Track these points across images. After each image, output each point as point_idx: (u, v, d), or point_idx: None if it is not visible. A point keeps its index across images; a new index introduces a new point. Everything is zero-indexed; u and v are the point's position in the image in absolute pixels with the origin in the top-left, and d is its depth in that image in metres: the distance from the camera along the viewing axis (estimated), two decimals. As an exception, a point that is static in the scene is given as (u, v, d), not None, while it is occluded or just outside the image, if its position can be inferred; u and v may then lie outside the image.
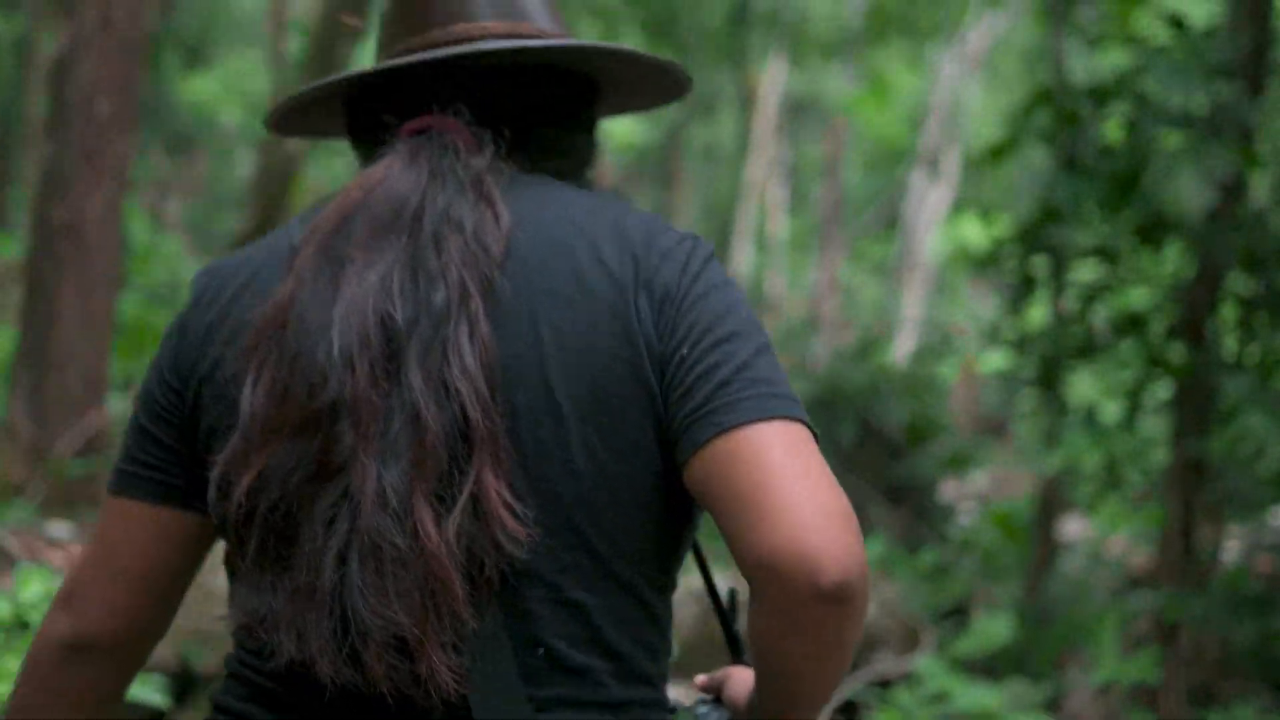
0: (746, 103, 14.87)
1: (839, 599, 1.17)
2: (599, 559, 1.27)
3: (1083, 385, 6.76)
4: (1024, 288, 6.17)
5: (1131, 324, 6.10)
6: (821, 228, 25.87)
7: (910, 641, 5.60)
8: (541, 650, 1.26)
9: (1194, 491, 5.72)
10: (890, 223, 27.19)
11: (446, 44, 1.38)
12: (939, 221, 25.00)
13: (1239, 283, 5.74)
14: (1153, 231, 5.90)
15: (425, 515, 1.20)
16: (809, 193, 28.73)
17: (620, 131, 25.84)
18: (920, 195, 24.90)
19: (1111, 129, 6.06)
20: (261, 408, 1.26)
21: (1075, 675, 6.16)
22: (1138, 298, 6.55)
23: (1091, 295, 6.21)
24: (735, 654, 1.49)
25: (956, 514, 8.90)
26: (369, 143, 1.41)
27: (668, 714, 1.35)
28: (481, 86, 1.39)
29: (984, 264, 6.44)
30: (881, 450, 8.64)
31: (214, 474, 1.29)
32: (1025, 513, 7.72)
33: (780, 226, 25.52)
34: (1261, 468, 5.46)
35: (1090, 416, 5.84)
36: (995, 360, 18.07)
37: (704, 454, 1.22)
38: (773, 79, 20.79)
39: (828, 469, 1.22)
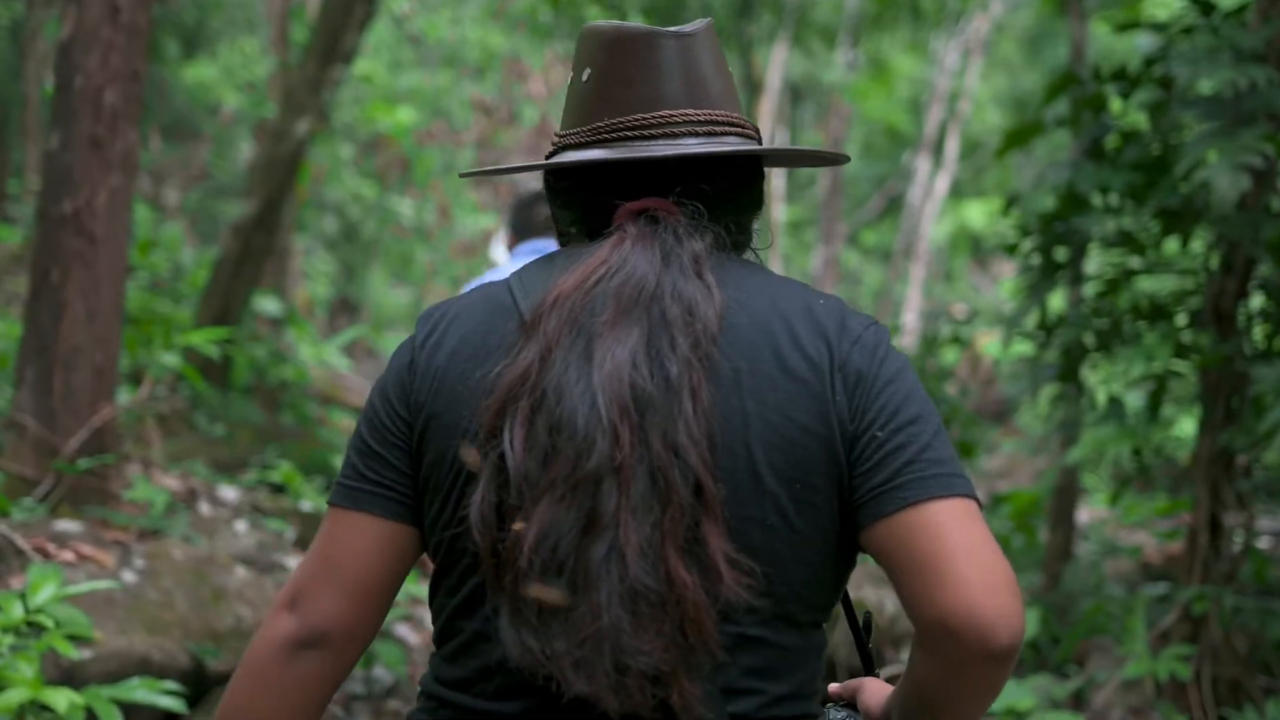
0: (753, 89, 14.71)
1: (1005, 659, 1.38)
2: (778, 601, 1.48)
3: (1104, 375, 6.62)
4: (1046, 276, 6.04)
5: (1157, 312, 5.98)
6: (822, 212, 25.78)
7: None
8: (727, 680, 1.48)
9: (1222, 482, 5.60)
10: (891, 208, 27.11)
11: (650, 126, 1.57)
12: (940, 206, 24.92)
13: (1269, 271, 5.62)
14: (1178, 219, 5.78)
15: (678, 565, 1.38)
16: (809, 178, 28.59)
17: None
18: (922, 180, 24.80)
19: (1136, 115, 5.93)
20: (528, 467, 1.42)
21: (1100, 669, 6.04)
22: (1163, 286, 6.44)
23: (1115, 283, 6.09)
24: (868, 668, 1.71)
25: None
26: (575, 206, 1.65)
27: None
28: (686, 173, 1.59)
29: (1008, 251, 6.31)
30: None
31: (472, 517, 1.45)
32: (1039, 501, 7.60)
33: (779, 212, 25.39)
34: (1293, 459, 5.35)
35: (1116, 406, 5.72)
36: (996, 344, 17.93)
37: (890, 523, 1.44)
38: (775, 64, 20.65)
39: (994, 540, 1.43)
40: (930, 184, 24.80)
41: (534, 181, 7.32)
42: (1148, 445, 5.65)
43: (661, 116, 1.58)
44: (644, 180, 1.60)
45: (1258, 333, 5.55)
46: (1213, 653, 5.58)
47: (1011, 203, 6.21)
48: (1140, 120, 5.83)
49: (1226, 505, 5.63)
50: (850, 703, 1.65)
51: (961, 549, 1.40)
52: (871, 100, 25.80)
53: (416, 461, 1.55)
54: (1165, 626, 5.58)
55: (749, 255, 1.71)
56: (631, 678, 1.38)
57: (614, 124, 1.59)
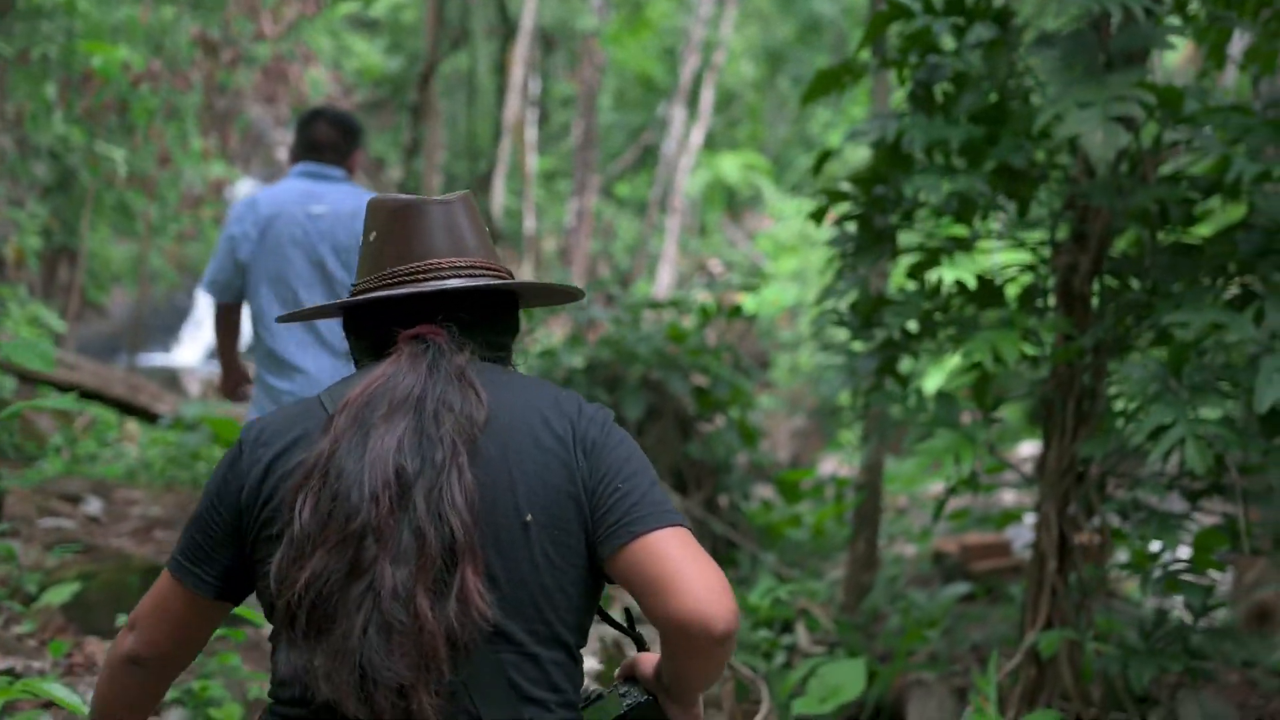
0: (506, 34, 13.36)
1: (724, 642, 1.80)
2: (549, 624, 1.87)
3: (932, 367, 5.54)
4: (863, 249, 4.93)
5: (987, 292, 4.94)
6: (575, 163, 24.57)
7: (748, 700, 4.33)
8: (512, 687, 1.84)
9: (1073, 497, 4.60)
10: (646, 159, 26.05)
11: (421, 272, 2.00)
12: (695, 158, 23.97)
13: (1132, 244, 4.64)
14: (1018, 181, 4.73)
15: (423, 602, 1.74)
16: (561, 128, 27.34)
17: (373, 62, 23.96)
18: (677, 131, 23.81)
19: (969, 56, 4.83)
20: (311, 527, 1.79)
21: None
22: (991, 262, 5.41)
23: (935, 256, 5.03)
24: (639, 646, 2.09)
25: (752, 487, 7.68)
26: (370, 336, 2.05)
27: None
28: (450, 305, 2.02)
29: (814, 219, 5.18)
30: (672, 425, 7.35)
31: (271, 572, 1.82)
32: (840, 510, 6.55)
33: (531, 162, 24.09)
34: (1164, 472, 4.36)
35: (947, 405, 4.65)
36: (751, 300, 16.98)
37: (625, 551, 1.84)
38: (528, 8, 19.26)
39: (706, 554, 1.84)
40: (685, 135, 23.84)
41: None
42: (985, 454, 4.59)
43: (430, 264, 2.01)
44: (418, 313, 2.00)
45: (1110, 318, 4.54)
46: (1062, 697, 4.59)
47: (823, 160, 5.06)
48: (974, 63, 4.74)
49: (1078, 525, 4.63)
50: (630, 678, 2.06)
51: (683, 566, 1.80)
52: (626, 48, 24.67)
53: (237, 547, 1.97)
54: (1012, 668, 4.56)
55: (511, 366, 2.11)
56: (380, 690, 1.73)
57: (394, 271, 2.01)
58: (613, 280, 23.27)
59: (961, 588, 6.96)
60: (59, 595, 4.53)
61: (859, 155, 24.05)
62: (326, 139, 4.76)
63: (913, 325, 4.87)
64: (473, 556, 1.76)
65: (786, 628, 5.65)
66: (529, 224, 23.53)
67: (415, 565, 1.74)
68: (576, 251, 24.74)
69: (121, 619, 4.82)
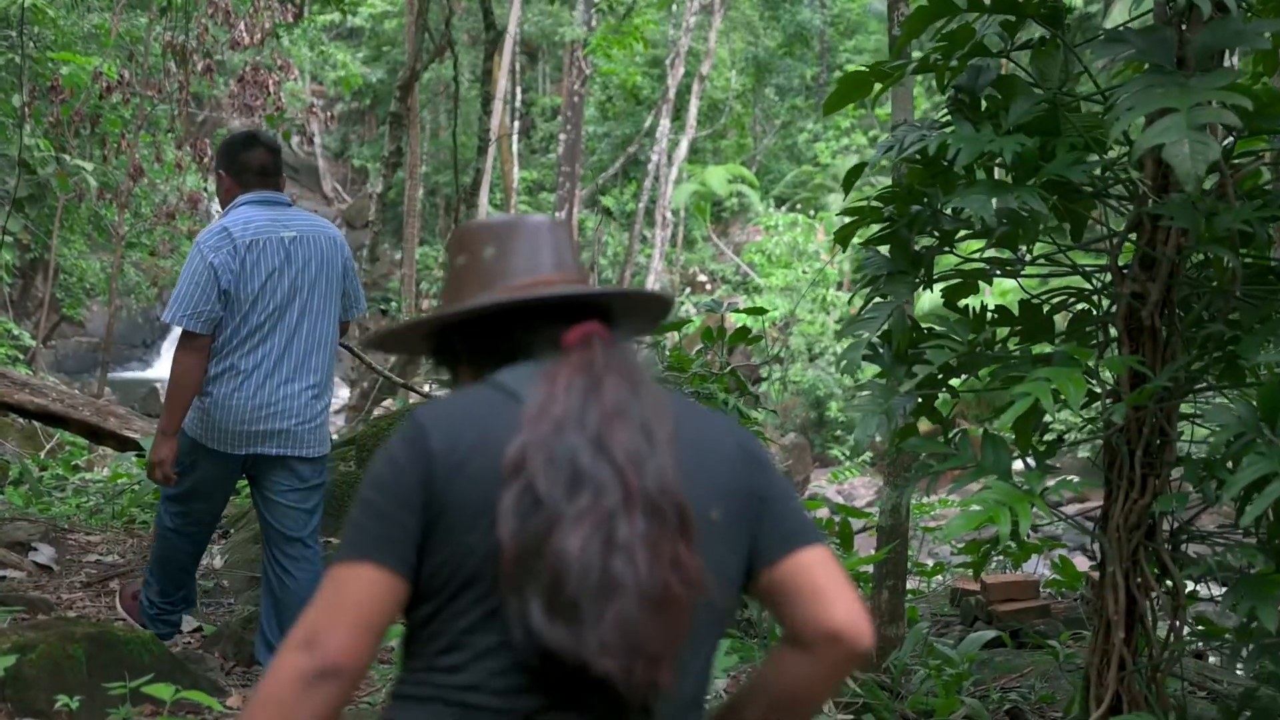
0: (493, 41, 12.77)
1: (862, 659, 1.83)
2: (722, 618, 1.90)
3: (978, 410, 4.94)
4: (899, 274, 4.34)
5: (1034, 323, 4.37)
6: (559, 175, 23.99)
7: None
8: (694, 670, 1.87)
9: (1142, 556, 4.02)
10: (631, 170, 25.48)
11: (541, 284, 1.99)
12: (680, 169, 23.42)
13: (1219, 272, 4.06)
14: (1073, 199, 4.15)
15: (670, 576, 1.73)
16: (547, 139, 26.76)
17: (353, 72, 23.34)
18: (663, 142, 23.26)
19: (1014, 60, 4.25)
20: (555, 496, 1.73)
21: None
22: (1044, 289, 4.83)
23: (969, 282, 4.46)
24: None
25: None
26: (478, 357, 2.02)
27: None
28: (569, 317, 1.95)
29: (840, 239, 4.59)
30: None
31: (503, 536, 1.72)
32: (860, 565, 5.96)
33: (515, 175, 23.50)
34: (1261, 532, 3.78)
35: (997, 452, 4.07)
36: (742, 315, 16.44)
37: (789, 559, 1.88)
38: (513, 16, 18.67)
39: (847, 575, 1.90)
40: (671, 147, 23.28)
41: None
42: (1044, 509, 4.00)
43: (541, 279, 2.00)
44: (540, 324, 1.96)
45: (1186, 355, 3.95)
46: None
47: (855, 176, 4.46)
48: (1022, 66, 4.16)
49: (1148, 588, 4.05)
50: None
51: (840, 579, 1.86)
52: (612, 59, 24.11)
53: (424, 530, 1.82)
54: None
55: None
56: (639, 660, 1.71)
57: (517, 285, 1.99)
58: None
59: (988, 634, 6.38)
60: (-12, 672, 3.92)
61: (847, 163, 23.59)
62: (271, 164, 4.93)
63: (950, 359, 4.28)
64: (689, 532, 1.78)
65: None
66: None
67: (656, 541, 1.75)
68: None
69: (63, 699, 4.25)
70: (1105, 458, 4.16)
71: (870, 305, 4.36)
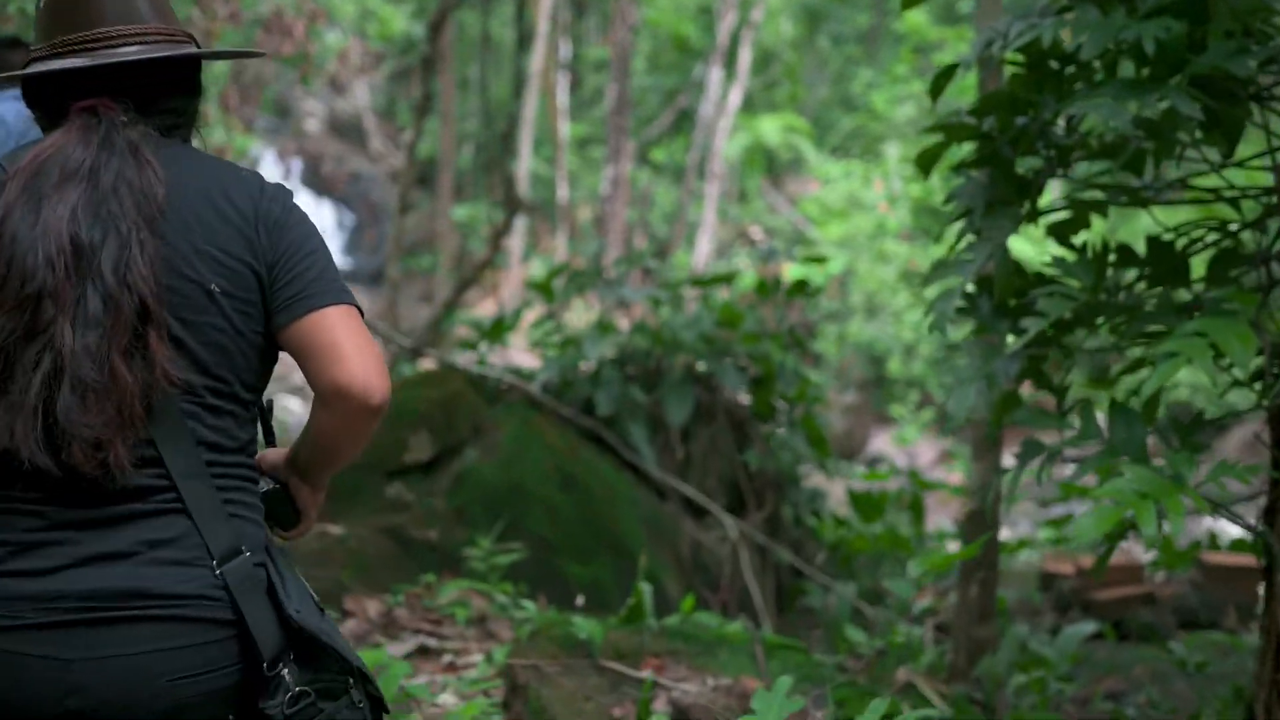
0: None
1: (377, 413, 1.91)
2: (228, 383, 1.92)
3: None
4: (1000, 204, 3.42)
5: (1167, 265, 3.44)
6: (608, 128, 23.04)
7: None
8: (193, 435, 1.90)
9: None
10: (682, 123, 24.45)
11: (95, 40, 1.94)
12: (733, 121, 22.40)
13: None
14: (1224, 103, 3.20)
15: (120, 363, 1.80)
16: (595, 93, 25.82)
17: (394, 27, 22.44)
18: (714, 93, 22.22)
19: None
20: None
21: None
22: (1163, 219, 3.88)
23: (1084, 214, 3.53)
24: (269, 442, 2.14)
25: (823, 503, 6.18)
26: (46, 108, 2.01)
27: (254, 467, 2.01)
28: (124, 74, 1.97)
29: (923, 163, 3.67)
30: (725, 429, 5.85)
31: None
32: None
33: (564, 129, 22.59)
34: None
35: (1131, 427, 3.15)
36: (798, 268, 15.43)
37: (300, 323, 1.91)
38: (553, -39, 17.73)
39: (369, 334, 1.95)
40: (723, 97, 22.25)
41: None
42: (1198, 501, 3.07)
43: (102, 32, 1.95)
44: (94, 84, 1.95)
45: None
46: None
47: (945, 79, 3.53)
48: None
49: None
50: (259, 473, 2.06)
51: (349, 339, 1.90)
52: (660, 8, 23.06)
53: None
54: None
55: (195, 138, 2.07)
56: (77, 444, 1.78)
57: (65, 40, 1.95)
58: (649, 250, 21.79)
59: (1087, 627, 5.46)
60: None
61: (905, 112, 22.43)
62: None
63: (1064, 311, 3.35)
64: (160, 323, 1.83)
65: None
66: (562, 193, 22.04)
67: (109, 329, 1.80)
68: (613, 220, 23.24)
69: None
70: (1272, 434, 3.23)
71: (964, 244, 3.43)
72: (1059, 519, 6.63)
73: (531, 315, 6.72)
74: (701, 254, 21.65)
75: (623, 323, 6.31)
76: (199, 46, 2.02)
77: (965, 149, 3.63)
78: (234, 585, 1.86)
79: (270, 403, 2.11)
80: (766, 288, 6.17)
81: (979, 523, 4.71)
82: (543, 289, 5.97)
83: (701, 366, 5.85)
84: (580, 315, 7.41)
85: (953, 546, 7.33)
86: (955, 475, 17.03)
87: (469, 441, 5.27)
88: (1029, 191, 3.43)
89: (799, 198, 23.60)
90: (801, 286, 6.05)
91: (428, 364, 7.02)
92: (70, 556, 1.81)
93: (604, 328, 5.72)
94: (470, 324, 6.36)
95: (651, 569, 5.27)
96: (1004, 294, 3.38)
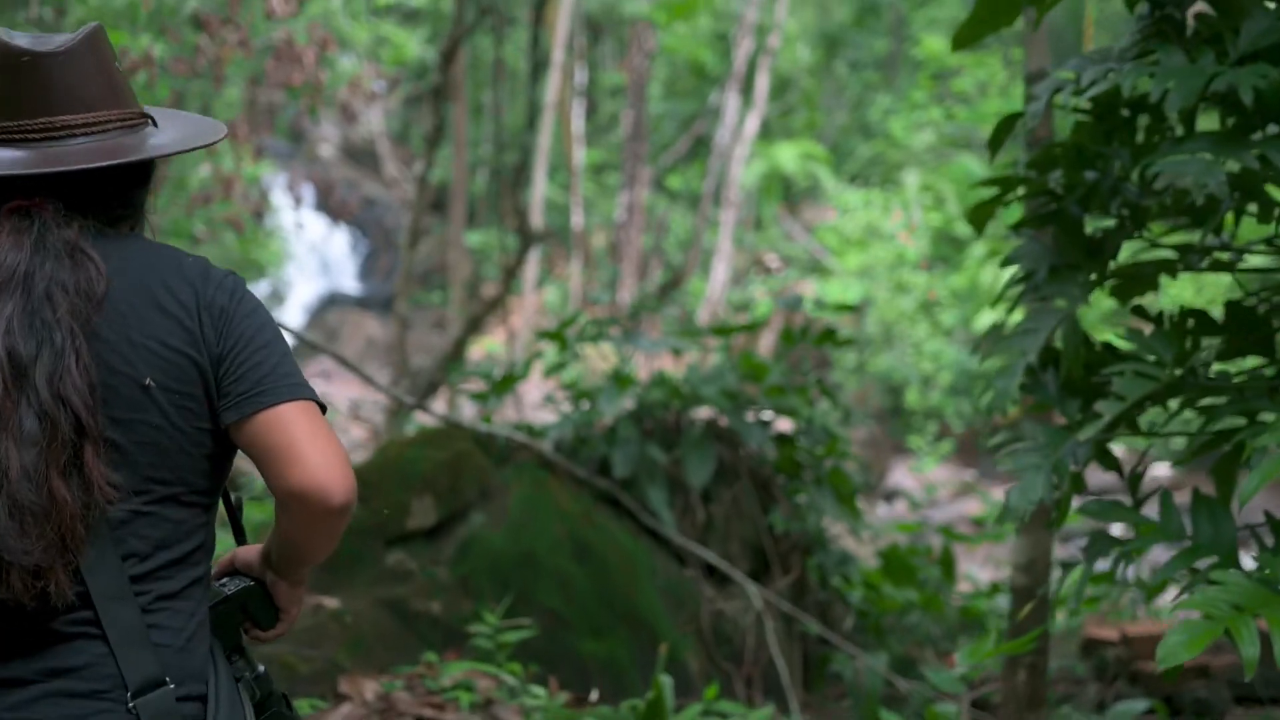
0: (540, 19, 11.56)
1: (342, 513, 1.77)
2: (166, 485, 1.77)
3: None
4: (1064, 268, 3.04)
5: (1244, 330, 3.06)
6: (624, 155, 22.73)
7: None
8: (129, 549, 1.74)
9: None
10: (698, 150, 24.12)
11: (34, 131, 1.78)
12: (750, 147, 22.07)
13: None
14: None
15: (59, 484, 1.66)
16: (610, 119, 25.53)
17: (407, 53, 22.20)
18: (731, 119, 21.91)
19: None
20: None
21: None
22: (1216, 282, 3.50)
23: (1154, 278, 3.16)
24: (239, 539, 2.00)
25: (853, 568, 5.79)
26: None
27: (203, 579, 1.83)
28: (65, 178, 1.80)
29: (975, 219, 3.30)
30: (749, 489, 5.47)
31: None
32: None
33: (579, 156, 22.29)
34: None
35: (1213, 519, 2.76)
36: (813, 305, 15.06)
37: (252, 421, 1.76)
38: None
39: (330, 429, 1.80)
40: (739, 124, 21.94)
41: None
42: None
43: (44, 123, 1.78)
44: (32, 183, 1.79)
45: None
46: None
47: (1005, 131, 3.15)
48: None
49: None
50: (231, 572, 1.97)
51: (305, 438, 1.75)
52: (676, 34, 22.75)
53: None
54: None
55: (145, 227, 1.91)
56: (15, 572, 1.64)
57: (4, 127, 1.79)
58: (663, 279, 21.40)
59: (1139, 705, 5.06)
60: None
61: (924, 139, 22.05)
62: None
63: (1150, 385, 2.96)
64: (95, 439, 1.71)
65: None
66: (577, 219, 21.72)
67: (45, 448, 1.68)
68: (628, 247, 22.93)
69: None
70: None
71: (1029, 314, 3.04)
72: (1102, 574, 6.23)
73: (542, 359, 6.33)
74: (717, 282, 21.31)
75: (639, 373, 5.94)
76: (154, 123, 1.87)
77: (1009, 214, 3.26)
78: None
79: (239, 499, 2.01)
80: (792, 337, 5.79)
81: (1026, 599, 4.31)
82: (556, 339, 5.60)
83: (723, 421, 5.47)
84: (593, 360, 7.04)
85: (984, 603, 6.93)
86: (973, 503, 16.64)
87: (475, 506, 4.89)
88: (1100, 255, 3.05)
89: (816, 225, 23.25)
90: (830, 336, 5.67)
91: (434, 412, 6.66)
92: None
93: (621, 381, 5.34)
94: (479, 375, 5.99)
95: (672, 646, 4.89)
96: (1073, 369, 2.99)
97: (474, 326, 10.51)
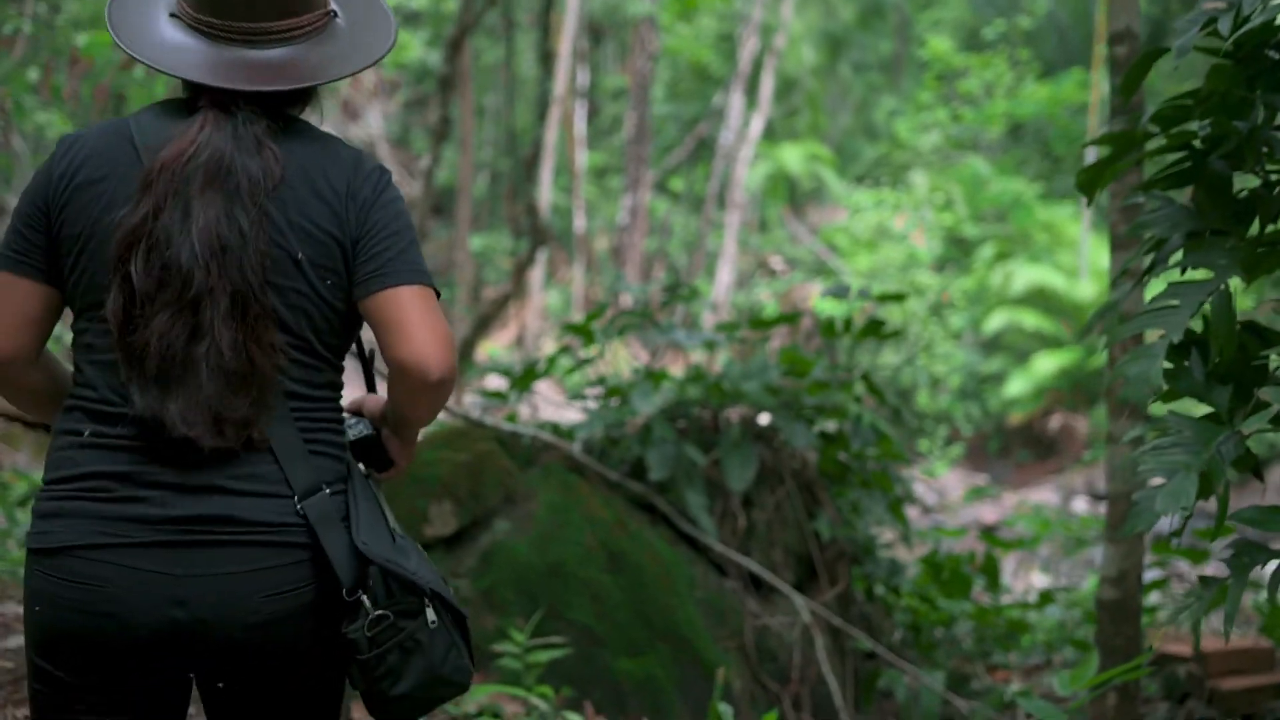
0: (545, 23, 11.09)
1: (440, 387, 2.02)
2: (306, 340, 2.03)
3: None
4: (1206, 234, 2.56)
5: None
6: (627, 158, 22.27)
7: None
8: (283, 385, 2.02)
9: None
10: (701, 152, 23.65)
11: (240, 33, 2.02)
12: (754, 149, 21.61)
13: None
14: None
15: (256, 352, 1.95)
16: (613, 122, 25.04)
17: (409, 54, 21.74)
18: (735, 121, 21.45)
19: None
20: (147, 287, 1.93)
21: None
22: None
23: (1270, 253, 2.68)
24: (370, 387, 2.29)
25: (903, 578, 5.30)
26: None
27: (337, 409, 2.12)
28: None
29: (1084, 183, 2.83)
30: (794, 494, 4.98)
31: (109, 313, 1.95)
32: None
33: (582, 158, 21.81)
34: None
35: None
36: (825, 301, 14.58)
37: (375, 298, 2.01)
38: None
39: (440, 314, 2.04)
40: (744, 125, 21.47)
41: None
42: None
43: (248, 28, 2.01)
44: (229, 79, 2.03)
45: None
46: None
47: (1146, 66, 2.67)
48: None
49: None
50: (358, 413, 2.23)
51: (416, 318, 1.99)
52: (679, 36, 22.28)
53: (52, 242, 2.03)
54: None
55: (313, 112, 2.14)
56: (227, 425, 1.94)
57: (213, 24, 2.02)
58: (670, 278, 20.88)
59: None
60: None
61: (930, 141, 21.60)
62: None
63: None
64: (268, 311, 1.96)
65: None
66: (579, 223, 21.24)
67: (240, 324, 1.93)
68: (630, 250, 22.45)
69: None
70: None
71: (1167, 288, 2.56)
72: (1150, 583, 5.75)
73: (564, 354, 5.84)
74: (722, 284, 20.83)
75: (673, 369, 5.45)
76: (335, 14, 2.11)
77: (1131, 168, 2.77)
78: (313, 518, 1.99)
79: (373, 352, 2.23)
80: (834, 329, 5.31)
81: (1118, 616, 3.84)
82: (582, 332, 5.11)
83: (763, 420, 4.99)
84: (616, 358, 6.55)
85: (1023, 613, 6.45)
86: (987, 509, 16.16)
87: (499, 512, 4.40)
88: (1249, 219, 2.57)
89: (821, 227, 22.80)
90: (876, 328, 5.19)
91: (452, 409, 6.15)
92: (173, 486, 1.95)
93: (656, 377, 4.85)
94: (499, 370, 5.50)
95: (713, 663, 4.40)
96: (1225, 351, 2.51)
97: (483, 326, 10.02)
